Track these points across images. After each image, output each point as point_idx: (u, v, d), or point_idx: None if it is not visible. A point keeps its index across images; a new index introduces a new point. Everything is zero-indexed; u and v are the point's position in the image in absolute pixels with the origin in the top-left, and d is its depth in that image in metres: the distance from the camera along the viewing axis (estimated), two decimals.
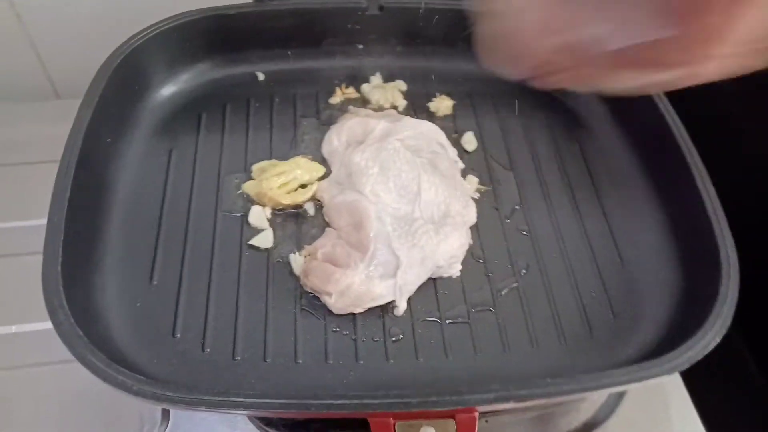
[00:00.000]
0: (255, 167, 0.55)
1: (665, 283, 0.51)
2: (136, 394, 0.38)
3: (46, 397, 0.51)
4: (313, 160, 0.56)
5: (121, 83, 0.53)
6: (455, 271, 0.51)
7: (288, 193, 0.54)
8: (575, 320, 0.50)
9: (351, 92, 0.62)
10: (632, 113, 0.58)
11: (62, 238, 0.43)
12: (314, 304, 0.49)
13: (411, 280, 0.49)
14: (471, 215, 0.54)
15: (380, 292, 0.49)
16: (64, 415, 0.50)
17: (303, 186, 0.54)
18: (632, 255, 0.53)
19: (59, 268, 0.42)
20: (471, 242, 0.53)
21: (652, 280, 0.51)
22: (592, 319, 0.50)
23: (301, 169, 0.55)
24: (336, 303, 0.48)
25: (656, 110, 0.54)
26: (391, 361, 0.47)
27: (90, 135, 0.49)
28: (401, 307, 0.49)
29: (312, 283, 0.49)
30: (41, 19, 0.70)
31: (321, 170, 0.56)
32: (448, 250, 0.50)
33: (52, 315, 0.40)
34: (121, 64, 0.53)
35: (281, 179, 0.53)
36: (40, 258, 0.55)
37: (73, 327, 0.39)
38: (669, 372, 0.42)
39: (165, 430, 0.49)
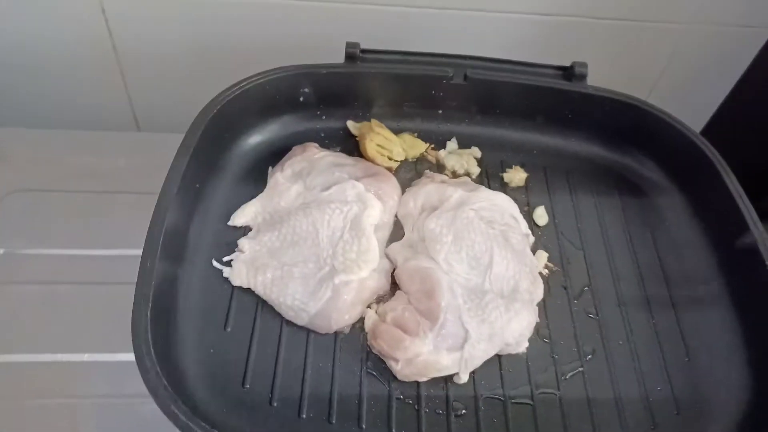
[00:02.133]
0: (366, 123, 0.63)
1: (734, 387, 0.51)
2: None
3: (112, 429, 0.52)
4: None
5: (214, 132, 0.56)
6: (522, 348, 0.52)
7: (381, 155, 0.61)
8: (639, 413, 0.49)
9: (434, 154, 0.63)
10: (710, 206, 0.58)
11: (153, 284, 0.45)
12: (379, 367, 0.50)
13: (478, 355, 0.50)
14: (538, 292, 0.55)
15: (446, 364, 0.49)
16: None
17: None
18: (701, 352, 0.52)
19: (149, 314, 0.43)
20: (538, 320, 0.53)
21: (720, 382, 0.51)
22: (656, 413, 0.49)
23: (404, 146, 0.62)
24: (402, 370, 0.49)
25: (735, 207, 0.54)
26: None
27: (183, 182, 0.51)
28: (463, 378, 0.50)
29: (380, 346, 0.50)
30: (135, 52, 0.74)
31: (422, 147, 0.63)
32: (517, 329, 0.51)
33: (140, 361, 0.42)
34: (216, 114, 0.55)
35: (382, 142, 0.61)
36: (112, 287, 0.59)
37: (159, 377, 0.41)
38: None
39: None
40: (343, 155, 0.61)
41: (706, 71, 0.82)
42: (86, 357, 0.55)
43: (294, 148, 0.61)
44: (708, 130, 0.87)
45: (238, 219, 0.57)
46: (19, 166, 0.68)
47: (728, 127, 0.83)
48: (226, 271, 0.53)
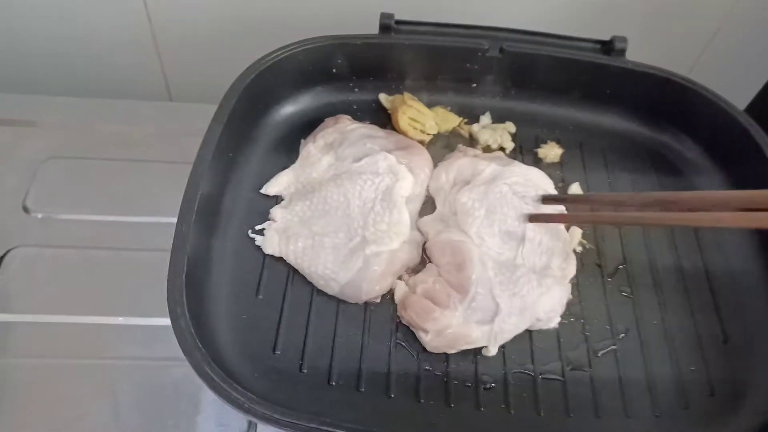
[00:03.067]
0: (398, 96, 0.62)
1: None
2: (247, 411, 0.40)
3: (143, 390, 0.53)
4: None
5: (248, 101, 0.56)
6: (553, 324, 0.51)
7: (414, 129, 0.60)
8: (671, 393, 0.49)
9: (467, 129, 0.63)
10: (751, 185, 0.56)
11: (188, 249, 0.45)
12: (409, 338, 0.50)
13: (508, 329, 0.49)
14: (571, 269, 0.54)
15: (476, 337, 0.49)
16: (156, 408, 0.53)
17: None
18: (737, 335, 0.51)
19: (184, 277, 0.44)
20: (570, 296, 0.52)
21: (757, 365, 0.50)
22: (689, 394, 0.49)
23: (437, 119, 0.62)
24: (431, 341, 0.49)
25: None
26: (482, 409, 0.47)
27: (217, 151, 0.51)
28: (493, 351, 0.49)
29: (409, 317, 0.50)
30: (169, 23, 0.74)
31: (455, 121, 0.62)
32: (549, 303, 0.50)
33: (174, 323, 0.42)
34: (250, 84, 0.55)
35: (414, 115, 0.60)
36: (146, 254, 0.59)
37: (193, 338, 0.42)
38: None
39: None
40: (375, 127, 0.61)
41: (751, 49, 0.79)
42: (120, 320, 0.56)
43: (326, 119, 0.61)
44: (749, 111, 0.84)
45: (271, 188, 0.57)
46: (53, 133, 0.69)
47: None
48: (259, 240, 0.53)
